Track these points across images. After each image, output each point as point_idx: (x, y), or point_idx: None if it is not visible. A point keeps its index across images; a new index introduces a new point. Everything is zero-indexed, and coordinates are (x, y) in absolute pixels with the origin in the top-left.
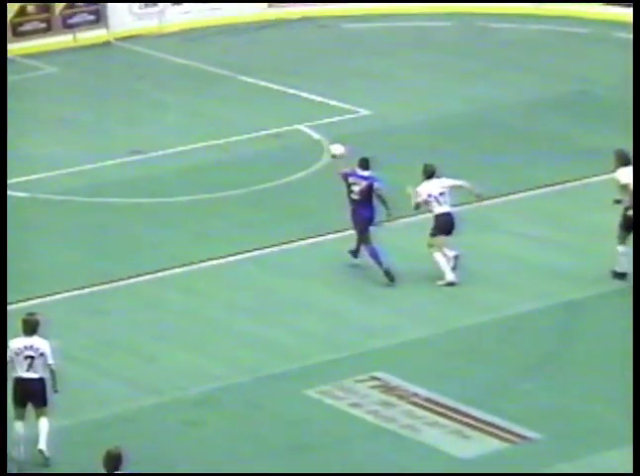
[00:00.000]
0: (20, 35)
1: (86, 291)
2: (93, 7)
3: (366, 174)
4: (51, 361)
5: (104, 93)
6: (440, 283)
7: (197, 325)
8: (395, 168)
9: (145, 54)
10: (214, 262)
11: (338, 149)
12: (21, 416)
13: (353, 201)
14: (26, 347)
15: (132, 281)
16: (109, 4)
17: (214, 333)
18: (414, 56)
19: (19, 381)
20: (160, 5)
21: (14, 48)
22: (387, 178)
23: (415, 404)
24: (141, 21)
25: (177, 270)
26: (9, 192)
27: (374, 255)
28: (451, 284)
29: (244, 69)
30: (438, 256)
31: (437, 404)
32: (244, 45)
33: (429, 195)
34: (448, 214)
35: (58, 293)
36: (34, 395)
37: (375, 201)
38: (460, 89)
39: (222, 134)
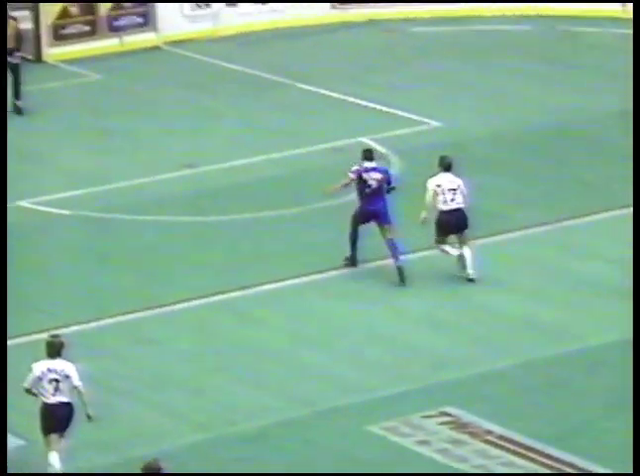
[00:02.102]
0: (62, 38)
1: (133, 317)
2: (141, 9)
3: (375, 165)
4: (77, 383)
5: (152, 102)
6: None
7: (252, 355)
8: (470, 184)
9: (197, 59)
10: (272, 286)
11: None
12: (54, 443)
13: (367, 196)
14: (50, 370)
15: (182, 306)
16: (158, 5)
17: (270, 363)
18: (490, 61)
19: (46, 406)
20: (215, 7)
21: (55, 52)
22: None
23: (489, 442)
24: (193, 24)
25: (231, 294)
26: (49, 209)
27: (353, 239)
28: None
29: (304, 77)
30: (445, 247)
31: (512, 442)
32: (304, 50)
33: (438, 186)
34: (456, 211)
35: (102, 319)
36: (60, 420)
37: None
38: (540, 97)
39: (280, 147)
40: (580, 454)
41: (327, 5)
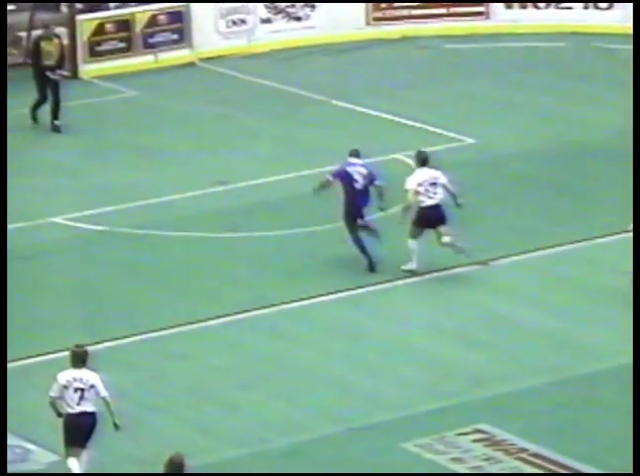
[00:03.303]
0: (97, 55)
1: (165, 332)
2: (176, 25)
3: (360, 161)
4: (104, 393)
5: (186, 118)
6: (403, 267)
7: (285, 372)
8: (505, 200)
9: (232, 76)
10: (305, 302)
11: None
12: (76, 454)
13: (355, 192)
14: (75, 379)
15: (215, 322)
16: (193, 22)
17: (303, 380)
18: (524, 78)
19: (70, 417)
20: (250, 23)
21: (91, 69)
22: (494, 209)
23: (523, 460)
24: (227, 40)
25: (264, 311)
26: (83, 225)
27: (360, 244)
28: (412, 272)
29: (338, 93)
30: (412, 243)
31: (547, 460)
32: (339, 66)
33: (419, 185)
34: (436, 207)
35: (135, 334)
36: (82, 430)
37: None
38: (575, 114)
39: (314, 163)
40: (614, 471)
41: (362, 22)
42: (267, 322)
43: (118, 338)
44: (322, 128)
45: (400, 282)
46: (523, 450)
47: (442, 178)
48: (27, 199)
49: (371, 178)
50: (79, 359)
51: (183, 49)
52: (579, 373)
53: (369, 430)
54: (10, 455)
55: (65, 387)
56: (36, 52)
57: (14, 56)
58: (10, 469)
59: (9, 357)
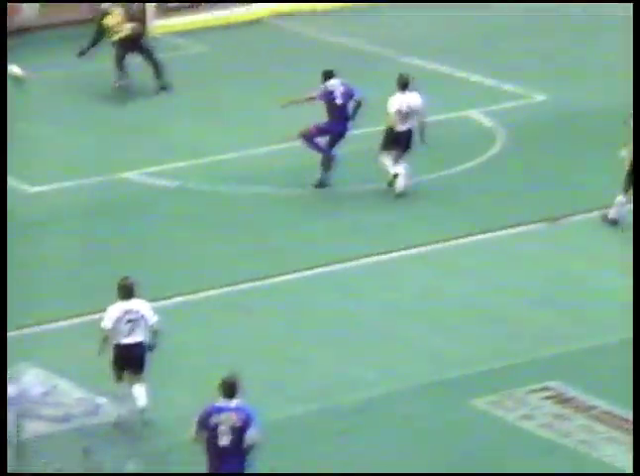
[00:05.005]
0: (167, 11)
1: (234, 288)
2: None
3: (339, 81)
4: (152, 321)
5: (256, 75)
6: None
7: (352, 328)
8: (577, 160)
9: (300, 32)
10: (372, 259)
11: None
12: (121, 378)
13: (336, 113)
14: (126, 312)
15: (282, 278)
16: None
17: (369, 337)
18: (599, 37)
19: (119, 347)
20: None
21: (159, 25)
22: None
23: (593, 417)
24: None
25: (332, 267)
26: (154, 181)
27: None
28: (396, 175)
29: (409, 50)
30: (384, 158)
31: (618, 418)
32: (408, 22)
33: (399, 111)
34: (408, 131)
35: (204, 290)
36: (133, 360)
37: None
38: None
39: (383, 121)
40: None
41: None
42: (334, 279)
43: (186, 293)
44: (391, 86)
45: (470, 238)
46: (593, 408)
47: (417, 104)
48: (101, 155)
49: (350, 95)
50: (127, 290)
51: (252, 5)
52: None
53: (435, 387)
54: (80, 409)
55: (117, 319)
56: (99, 31)
57: None
58: (82, 423)
59: (91, 308)
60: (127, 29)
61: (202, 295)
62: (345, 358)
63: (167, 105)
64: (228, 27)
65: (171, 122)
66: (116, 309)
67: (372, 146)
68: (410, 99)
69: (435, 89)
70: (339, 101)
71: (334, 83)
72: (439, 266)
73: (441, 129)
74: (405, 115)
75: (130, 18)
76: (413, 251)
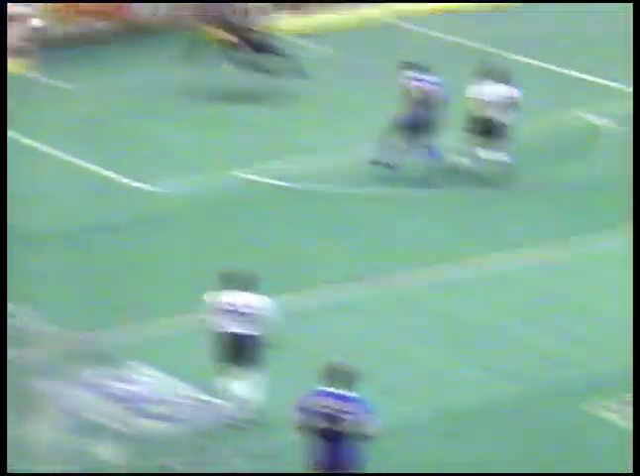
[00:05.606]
0: (291, 10)
1: (339, 286)
2: None
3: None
4: (265, 314)
5: (379, 76)
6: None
7: (461, 329)
8: None
9: (423, 33)
10: (481, 260)
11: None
12: (225, 373)
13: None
14: (236, 302)
15: (388, 277)
16: None
17: (481, 338)
18: None
19: (227, 336)
20: None
21: (285, 24)
22: None
23: None
24: None
25: (448, 269)
26: (264, 179)
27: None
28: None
29: (516, 48)
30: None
31: None
32: (516, 20)
33: (483, 99)
34: (494, 120)
35: (312, 288)
36: (241, 351)
37: None
38: None
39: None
40: None
41: None
42: (443, 279)
43: (293, 291)
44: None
45: (579, 238)
46: None
47: (507, 91)
48: (212, 153)
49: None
50: (244, 282)
51: (374, 7)
52: None
53: (548, 389)
54: (191, 407)
55: (225, 309)
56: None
57: None
58: (193, 422)
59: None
60: (232, 39)
61: (310, 293)
62: (454, 359)
63: (291, 105)
64: (353, 28)
65: (292, 121)
66: (226, 298)
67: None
68: (498, 90)
69: (542, 87)
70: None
71: (412, 75)
72: (551, 268)
73: (549, 128)
74: (489, 103)
75: (232, 29)
76: (523, 252)
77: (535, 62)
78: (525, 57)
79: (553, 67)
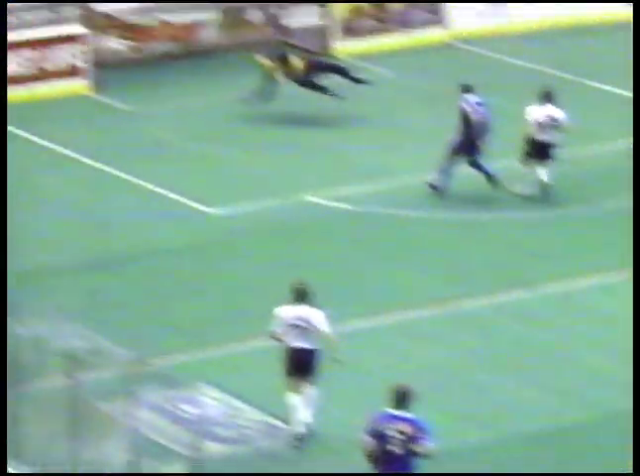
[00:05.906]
0: (352, 34)
1: (412, 314)
2: (432, 4)
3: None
4: (324, 329)
5: (439, 98)
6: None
7: (533, 356)
8: None
9: (486, 56)
10: (555, 286)
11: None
12: (293, 388)
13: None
14: (294, 315)
15: (464, 303)
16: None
17: (552, 365)
18: None
19: (289, 350)
20: (509, 4)
21: (345, 47)
22: None
23: None
24: (485, 19)
25: (513, 293)
26: (332, 203)
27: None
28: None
29: (593, 74)
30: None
31: None
32: (595, 47)
33: (537, 121)
34: (548, 143)
35: (380, 314)
36: (300, 365)
37: None
38: None
39: (568, 146)
40: None
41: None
42: (517, 305)
43: (361, 317)
44: (576, 109)
45: None
46: None
47: (555, 112)
48: (281, 177)
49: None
50: (299, 295)
51: (439, 28)
52: None
53: (623, 416)
54: (257, 431)
55: (285, 323)
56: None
57: None
58: (259, 445)
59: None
60: (299, 66)
61: (381, 318)
62: (526, 385)
63: (349, 127)
64: (413, 50)
65: (351, 143)
66: (284, 312)
67: (557, 172)
68: (551, 111)
69: (617, 114)
70: (475, 116)
71: (470, 98)
72: (622, 296)
73: (626, 154)
74: (545, 126)
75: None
76: (595, 279)
77: (606, 87)
78: (596, 82)
79: (625, 93)
